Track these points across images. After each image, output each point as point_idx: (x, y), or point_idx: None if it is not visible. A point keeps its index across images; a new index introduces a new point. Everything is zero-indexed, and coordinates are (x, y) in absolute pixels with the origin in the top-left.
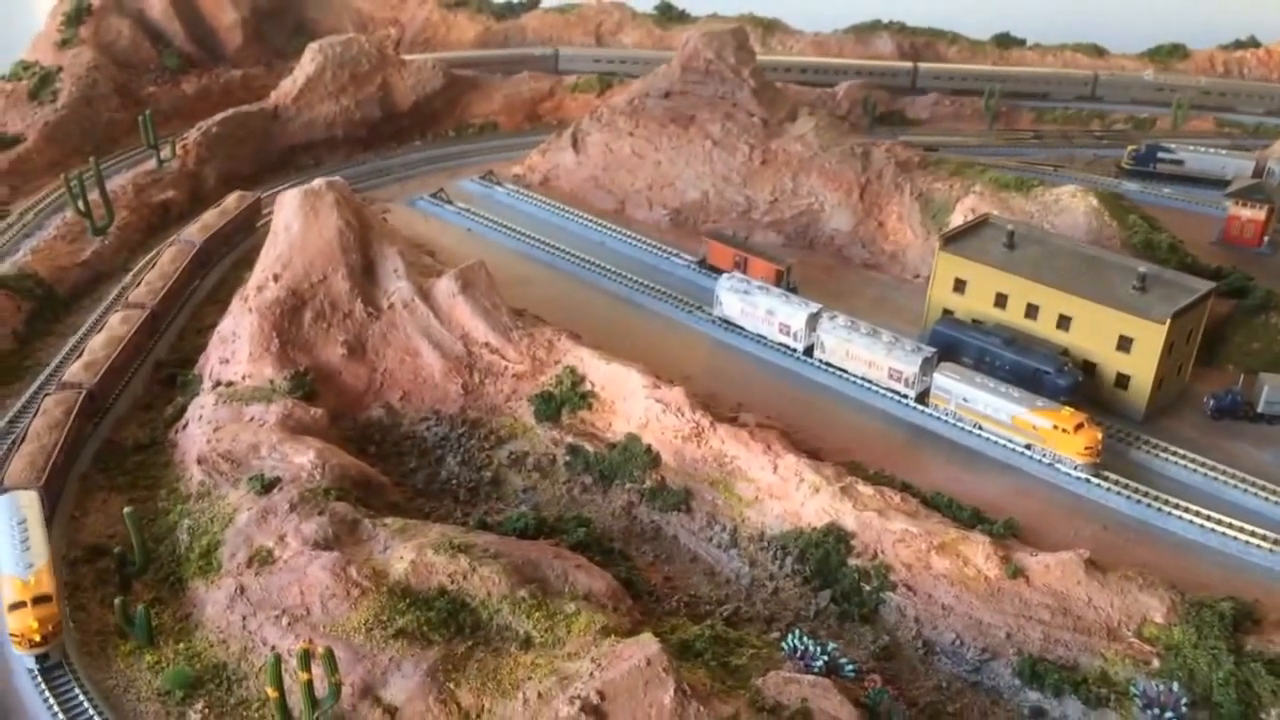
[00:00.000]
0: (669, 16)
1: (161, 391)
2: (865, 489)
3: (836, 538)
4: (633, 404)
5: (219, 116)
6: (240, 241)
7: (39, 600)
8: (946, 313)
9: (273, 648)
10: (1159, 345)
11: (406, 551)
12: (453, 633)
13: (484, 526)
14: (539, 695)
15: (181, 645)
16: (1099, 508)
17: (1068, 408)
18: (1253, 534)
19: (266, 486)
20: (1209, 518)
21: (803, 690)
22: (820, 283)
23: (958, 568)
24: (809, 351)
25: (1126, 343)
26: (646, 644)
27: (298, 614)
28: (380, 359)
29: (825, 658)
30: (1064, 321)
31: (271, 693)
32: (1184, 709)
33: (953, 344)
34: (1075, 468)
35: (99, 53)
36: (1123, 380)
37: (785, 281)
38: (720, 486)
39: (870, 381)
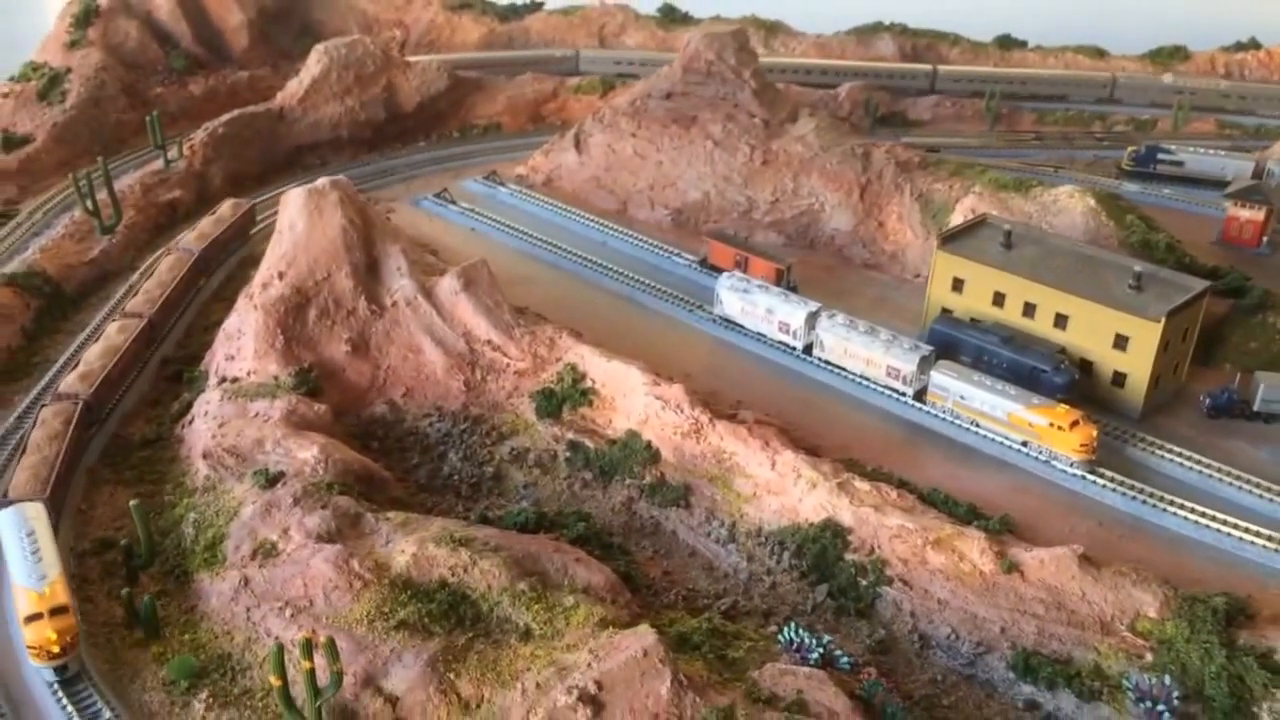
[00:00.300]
0: (672, 18)
1: (168, 388)
2: (862, 485)
3: (833, 533)
4: (633, 401)
5: (225, 117)
6: (237, 249)
7: (56, 611)
8: (945, 311)
9: (276, 639)
10: (1154, 343)
11: (408, 545)
12: (453, 624)
13: (485, 521)
14: (537, 686)
15: (186, 636)
16: (1094, 504)
17: (1063, 405)
18: (1246, 530)
19: (270, 481)
20: (1203, 514)
21: (798, 682)
22: (821, 282)
23: (953, 563)
24: (808, 350)
25: (1123, 341)
26: (643, 635)
27: (301, 605)
28: (383, 356)
29: (821, 650)
30: (1061, 320)
31: (274, 681)
32: (1176, 702)
33: (951, 342)
34: (1071, 464)
35: (107, 54)
36: (1119, 378)
37: (785, 280)
38: (719, 482)
39: (868, 379)
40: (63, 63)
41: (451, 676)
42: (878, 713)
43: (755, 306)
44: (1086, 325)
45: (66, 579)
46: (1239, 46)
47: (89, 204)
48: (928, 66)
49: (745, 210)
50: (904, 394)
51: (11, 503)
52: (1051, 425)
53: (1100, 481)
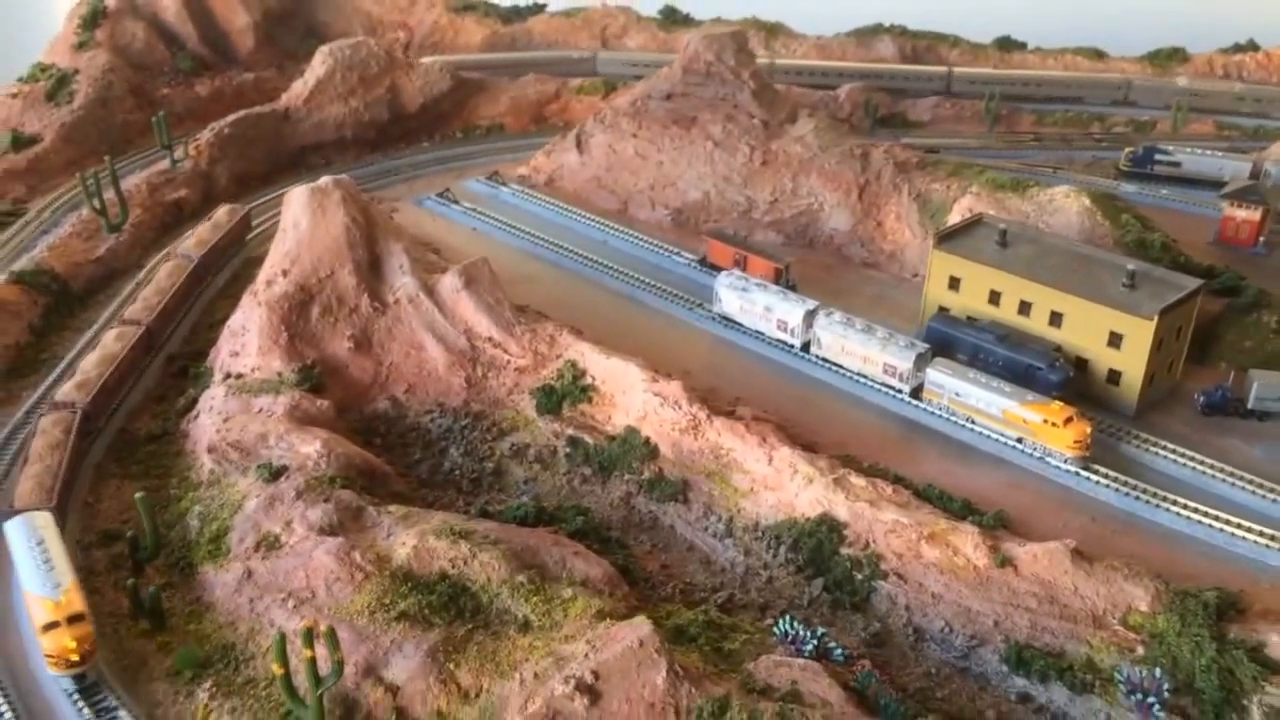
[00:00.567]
0: (673, 20)
1: (173, 384)
2: (858, 480)
3: (829, 528)
4: (632, 397)
5: (231, 118)
6: (235, 254)
7: (73, 619)
8: (942, 310)
9: (279, 629)
10: (1148, 341)
11: (409, 537)
12: (453, 616)
13: (485, 515)
14: (535, 676)
15: (191, 627)
16: (1088, 500)
17: (1057, 402)
18: (1239, 526)
19: (274, 475)
20: (1196, 510)
21: (793, 673)
22: (820, 281)
23: (947, 557)
24: (806, 347)
25: (1117, 339)
26: (639, 626)
27: (303, 597)
28: (386, 353)
29: (815, 642)
30: (1056, 318)
31: (277, 670)
32: (1167, 695)
33: (947, 340)
34: (1065, 461)
35: (114, 55)
36: (1114, 376)
37: (784, 279)
38: (716, 478)
39: (865, 377)
40: (70, 64)
41: (451, 667)
42: (871, 704)
43: (754, 305)
44: (1081, 323)
45: (80, 587)
46: (1237, 48)
47: (96, 203)
48: (943, 69)
49: (745, 210)
50: (901, 391)
51: (18, 512)
52: (1045, 422)
53: (1094, 478)
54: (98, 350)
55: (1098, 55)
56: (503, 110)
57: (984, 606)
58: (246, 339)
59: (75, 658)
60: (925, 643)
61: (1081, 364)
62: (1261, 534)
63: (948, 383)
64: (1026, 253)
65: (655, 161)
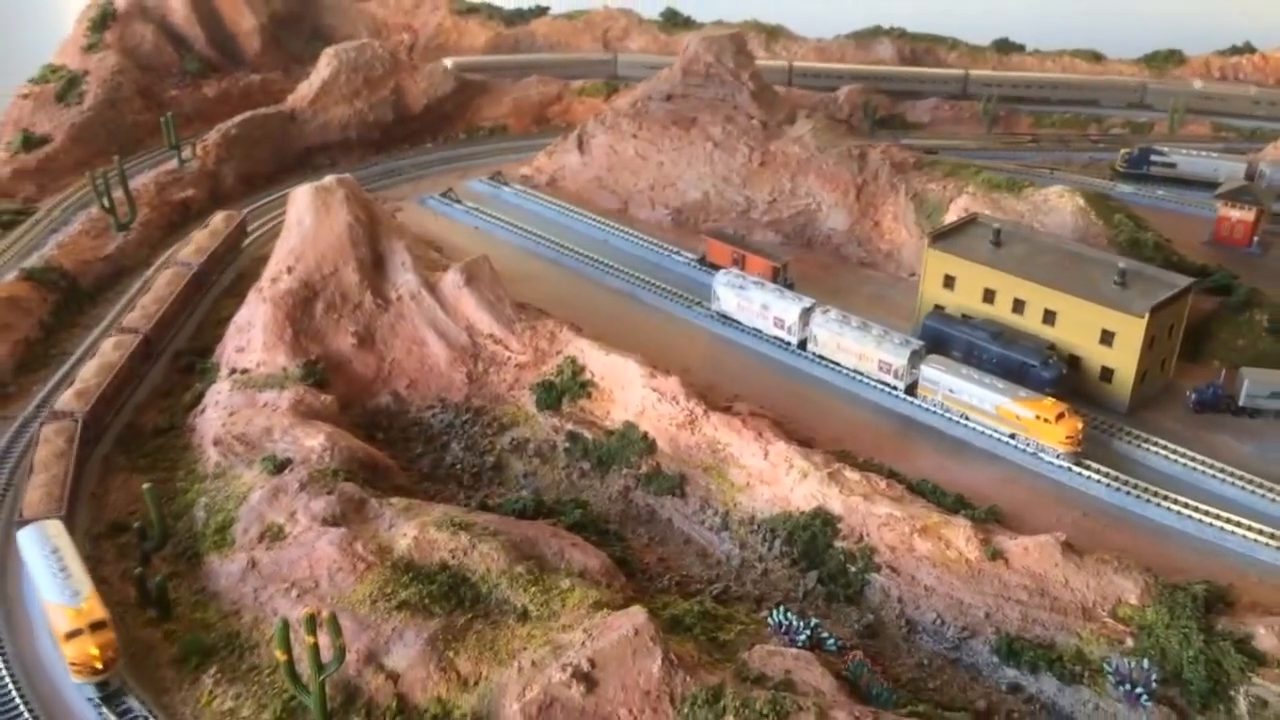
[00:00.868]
0: (674, 22)
1: (180, 379)
2: (852, 475)
3: (824, 521)
4: (630, 393)
5: (238, 119)
6: (232, 260)
7: (96, 626)
8: (937, 308)
9: (282, 617)
10: (1139, 338)
11: (410, 528)
12: (453, 605)
13: (485, 508)
14: (533, 663)
15: (196, 615)
16: (1080, 495)
17: (1050, 398)
18: (1228, 520)
19: (278, 467)
20: (1186, 505)
21: (786, 662)
22: (818, 280)
23: (939, 550)
24: (803, 344)
25: (1109, 337)
26: (635, 615)
27: (306, 586)
28: (388, 349)
29: (808, 633)
30: (1049, 316)
31: (280, 656)
32: (1154, 685)
33: (942, 338)
34: (1057, 456)
35: (123, 57)
36: (1107, 373)
37: (782, 278)
38: (713, 472)
39: (861, 374)
40: (80, 65)
41: (451, 654)
42: (863, 693)
43: (751, 302)
44: (1074, 321)
45: (99, 595)
46: (1234, 51)
47: (105, 202)
48: (960, 71)
49: (744, 210)
50: (896, 388)
51: (28, 522)
52: (1038, 418)
53: (1086, 473)
54: (96, 359)
55: (1095, 58)
56: (505, 111)
57: (975, 599)
58: (252, 335)
59: (99, 665)
60: (917, 634)
61: (1075, 361)
62: (1251, 528)
63: (942, 379)
64: (1020, 252)
65: (655, 162)
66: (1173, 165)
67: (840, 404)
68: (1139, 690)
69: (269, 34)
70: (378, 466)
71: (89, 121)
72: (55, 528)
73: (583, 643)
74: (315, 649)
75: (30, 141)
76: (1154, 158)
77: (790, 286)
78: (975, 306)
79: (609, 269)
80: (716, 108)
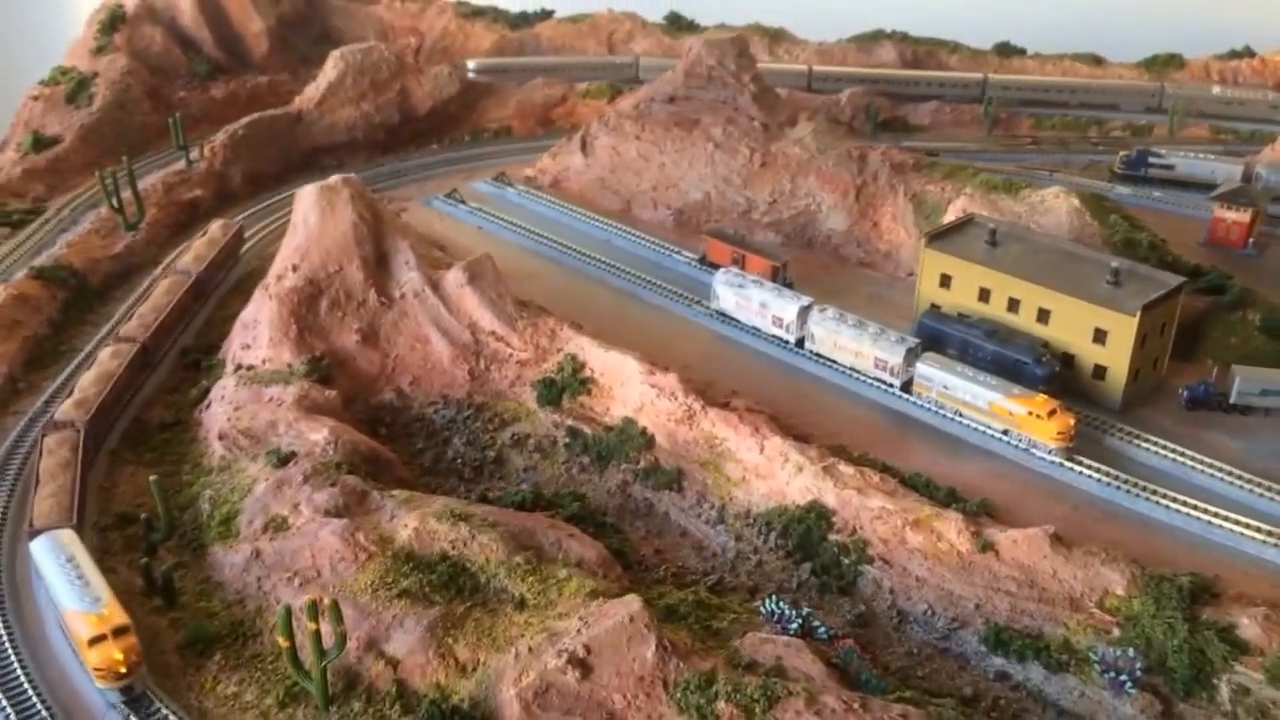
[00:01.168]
0: (678, 26)
1: (187, 375)
2: (846, 469)
3: (818, 514)
4: (629, 389)
5: (245, 120)
6: (231, 267)
7: (119, 632)
8: (933, 306)
9: (285, 605)
10: (1131, 337)
11: (411, 519)
12: (452, 594)
13: (484, 501)
14: (530, 650)
15: (201, 604)
16: (1071, 490)
17: (1042, 394)
18: (1215, 514)
19: (283, 460)
20: (1174, 499)
21: (777, 650)
22: (817, 280)
23: (931, 543)
24: (800, 343)
25: (1101, 335)
26: (630, 603)
27: (309, 575)
28: (392, 345)
29: (800, 621)
30: (1043, 315)
31: (283, 642)
32: (1139, 673)
33: (938, 336)
34: (1049, 452)
35: (132, 59)
36: (1100, 371)
37: (781, 277)
38: (710, 467)
39: (858, 371)
40: (90, 67)
41: (450, 641)
42: (852, 679)
43: (750, 301)
44: (1067, 319)
45: (117, 601)
46: (1233, 54)
47: (114, 202)
48: (979, 75)
49: (745, 210)
50: (891, 385)
51: (40, 532)
52: (1030, 414)
53: (1077, 468)
54: (95, 368)
55: (1095, 61)
56: (510, 113)
57: (966, 590)
58: (257, 331)
59: (123, 670)
60: (908, 624)
61: (1068, 359)
62: (1237, 522)
63: (937, 376)
64: (1015, 251)
65: (658, 163)
66: (1170, 167)
67: (837, 400)
68: (1124, 678)
69: (276, 36)
70: (380, 460)
71: (98, 123)
72: (68, 536)
73: (578, 629)
74: (317, 636)
75: (40, 142)
76: (1152, 160)
77: (790, 286)
78: (971, 305)
79: (611, 268)
80: (718, 110)
